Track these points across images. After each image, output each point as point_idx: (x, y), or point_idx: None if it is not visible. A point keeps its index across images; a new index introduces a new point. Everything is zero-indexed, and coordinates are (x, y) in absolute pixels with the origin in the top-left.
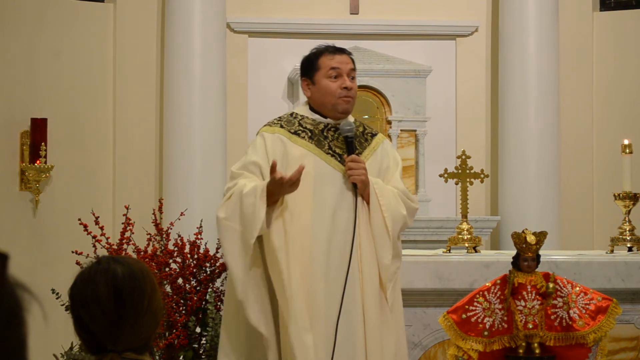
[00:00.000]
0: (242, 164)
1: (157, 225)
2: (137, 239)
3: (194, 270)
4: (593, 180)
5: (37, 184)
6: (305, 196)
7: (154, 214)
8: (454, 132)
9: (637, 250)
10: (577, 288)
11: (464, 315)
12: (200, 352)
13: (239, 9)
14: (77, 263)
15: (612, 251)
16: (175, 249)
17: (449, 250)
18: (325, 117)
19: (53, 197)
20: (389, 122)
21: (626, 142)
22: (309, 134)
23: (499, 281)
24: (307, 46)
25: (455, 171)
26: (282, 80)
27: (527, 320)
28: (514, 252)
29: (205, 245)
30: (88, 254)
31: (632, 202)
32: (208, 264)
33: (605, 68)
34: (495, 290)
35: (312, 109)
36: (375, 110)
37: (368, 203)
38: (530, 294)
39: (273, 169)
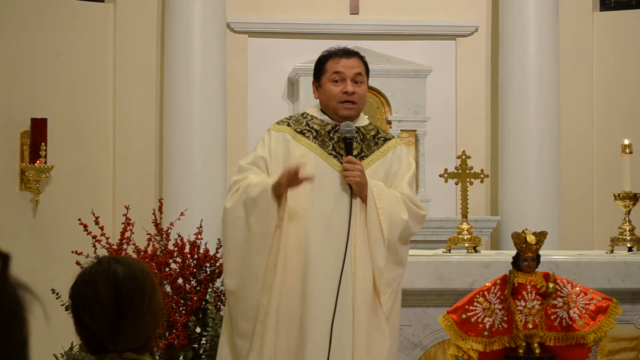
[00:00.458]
0: (252, 159)
1: (157, 225)
2: (137, 239)
3: (194, 270)
4: (593, 180)
5: (37, 184)
6: (304, 195)
7: (154, 214)
8: (454, 132)
9: (637, 250)
10: (577, 288)
11: (464, 315)
12: (200, 352)
13: (239, 9)
14: (77, 263)
15: (612, 251)
16: (175, 249)
17: (449, 250)
18: (333, 118)
19: (53, 197)
20: (389, 122)
21: (626, 142)
22: (314, 134)
23: (499, 281)
24: (307, 46)
25: (455, 171)
26: (282, 80)
27: (527, 320)
28: (514, 252)
29: (205, 245)
30: (88, 254)
31: (632, 202)
32: (208, 264)
33: (605, 68)
34: (495, 290)
35: (322, 110)
36: (375, 110)
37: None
38: (530, 294)
39: (296, 172)
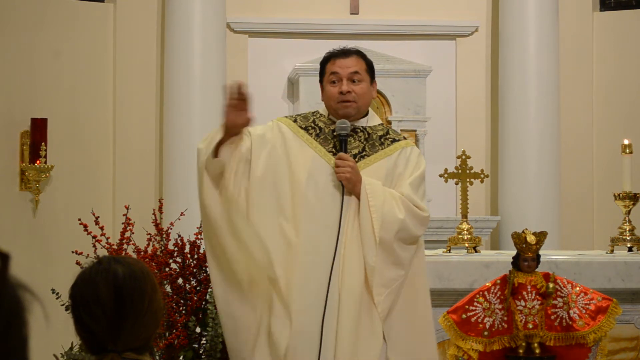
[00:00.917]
0: None
1: (157, 225)
2: (137, 239)
3: (194, 270)
4: (593, 180)
5: (37, 184)
6: (298, 190)
7: (154, 214)
8: (454, 132)
9: (637, 250)
10: (577, 288)
11: (464, 315)
12: (200, 352)
13: (239, 9)
14: (77, 263)
15: (612, 251)
16: (175, 249)
17: (449, 250)
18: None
19: (53, 197)
20: (389, 122)
21: (626, 142)
22: (317, 131)
23: (499, 281)
24: (307, 46)
25: (455, 171)
26: (282, 80)
27: (527, 320)
28: (514, 252)
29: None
30: (88, 254)
31: (632, 202)
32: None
33: (605, 68)
34: (495, 290)
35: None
36: (376, 110)
37: None
38: (530, 294)
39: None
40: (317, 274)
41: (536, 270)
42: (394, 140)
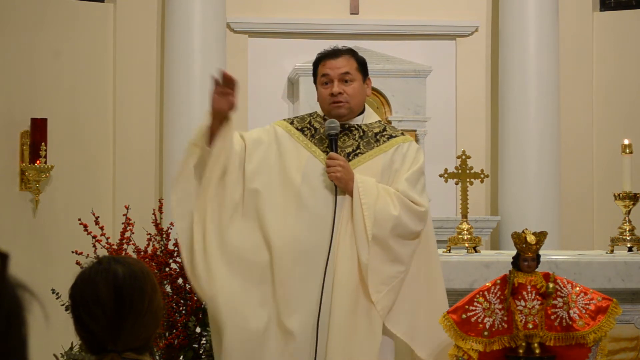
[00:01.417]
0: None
1: (157, 225)
2: (137, 239)
3: None
4: (593, 180)
5: (37, 184)
6: (292, 190)
7: (154, 214)
8: (454, 132)
9: (637, 250)
10: (577, 288)
11: (464, 315)
12: (200, 352)
13: (239, 9)
14: (77, 263)
15: (612, 251)
16: (175, 249)
17: (449, 250)
18: None
19: (53, 197)
20: (389, 122)
21: (626, 142)
22: (313, 132)
23: (499, 281)
24: (307, 46)
25: (455, 171)
26: (282, 80)
27: (527, 320)
28: (514, 252)
29: None
30: (88, 254)
31: (632, 202)
32: None
33: (605, 68)
34: (495, 290)
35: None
36: (375, 110)
37: None
38: (530, 294)
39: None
40: (311, 273)
41: (536, 270)
42: (390, 137)
